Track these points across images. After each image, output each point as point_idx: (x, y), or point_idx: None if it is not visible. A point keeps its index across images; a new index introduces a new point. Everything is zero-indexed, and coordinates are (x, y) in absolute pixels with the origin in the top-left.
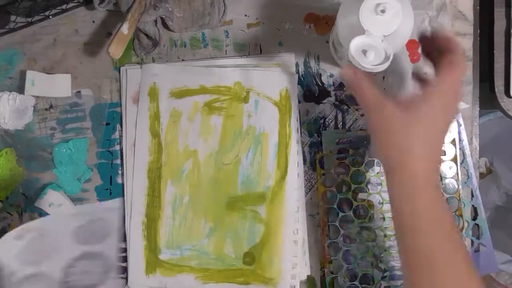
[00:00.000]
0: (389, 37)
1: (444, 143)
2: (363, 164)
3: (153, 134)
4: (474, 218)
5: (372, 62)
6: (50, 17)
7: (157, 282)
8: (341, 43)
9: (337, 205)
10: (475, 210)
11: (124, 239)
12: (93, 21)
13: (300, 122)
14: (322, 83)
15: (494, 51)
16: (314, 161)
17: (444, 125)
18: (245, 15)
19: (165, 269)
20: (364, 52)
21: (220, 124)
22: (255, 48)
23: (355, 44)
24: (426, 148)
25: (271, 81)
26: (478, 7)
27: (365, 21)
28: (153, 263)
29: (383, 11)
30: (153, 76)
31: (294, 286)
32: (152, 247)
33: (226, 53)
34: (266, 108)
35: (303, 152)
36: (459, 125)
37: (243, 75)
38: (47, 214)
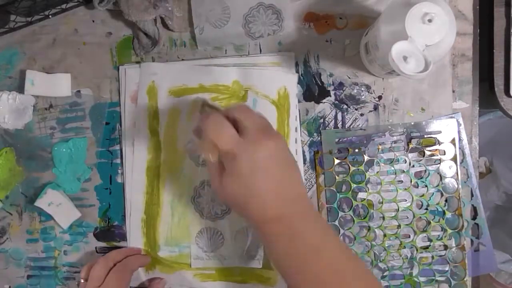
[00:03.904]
0: (430, 47)
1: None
2: (363, 164)
3: (152, 132)
4: (474, 218)
5: (412, 69)
6: (50, 16)
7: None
8: (378, 46)
9: (336, 205)
10: (474, 209)
11: (125, 236)
12: (93, 21)
13: (299, 121)
14: (322, 82)
15: (494, 51)
16: (313, 161)
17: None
18: None
19: (164, 266)
20: (405, 58)
21: None
22: (255, 47)
23: (397, 49)
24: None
25: (269, 80)
26: (478, 7)
27: (410, 27)
28: (152, 260)
29: (430, 21)
30: (152, 75)
31: None
32: (151, 244)
33: (226, 53)
34: (264, 107)
35: (303, 152)
36: (459, 125)
37: (241, 74)
38: (47, 213)
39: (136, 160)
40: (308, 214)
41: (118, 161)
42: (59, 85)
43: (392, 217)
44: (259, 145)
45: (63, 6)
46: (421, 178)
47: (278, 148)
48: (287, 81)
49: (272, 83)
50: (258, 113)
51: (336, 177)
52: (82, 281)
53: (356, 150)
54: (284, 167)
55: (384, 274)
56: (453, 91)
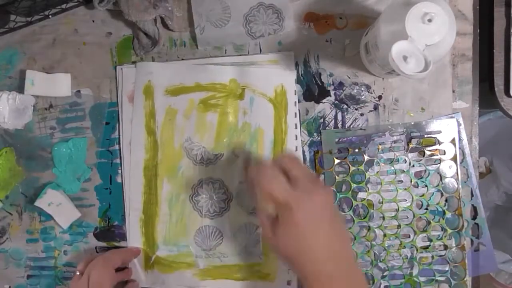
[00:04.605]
0: (431, 46)
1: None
2: (363, 164)
3: (149, 131)
4: (474, 218)
5: (412, 69)
6: (50, 16)
7: (155, 278)
8: (378, 46)
9: (337, 205)
10: (474, 209)
11: (125, 236)
12: (93, 21)
13: (299, 121)
14: (322, 82)
15: (494, 51)
16: (313, 161)
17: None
18: None
19: (163, 266)
20: (405, 58)
21: (216, 121)
22: (255, 47)
23: (397, 48)
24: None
25: (266, 78)
26: (478, 7)
27: (410, 27)
28: (151, 260)
29: (430, 21)
30: (148, 74)
31: (291, 281)
32: (150, 244)
33: (225, 52)
34: (261, 105)
35: (303, 152)
36: (459, 125)
37: (238, 72)
38: (47, 213)
39: (133, 160)
40: (358, 281)
41: (118, 161)
42: (59, 85)
43: (392, 217)
44: (312, 195)
45: (63, 6)
46: (421, 178)
47: (329, 201)
48: (284, 78)
49: (268, 80)
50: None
51: (336, 177)
52: (77, 273)
53: (356, 150)
54: (335, 224)
55: (384, 274)
56: (453, 91)
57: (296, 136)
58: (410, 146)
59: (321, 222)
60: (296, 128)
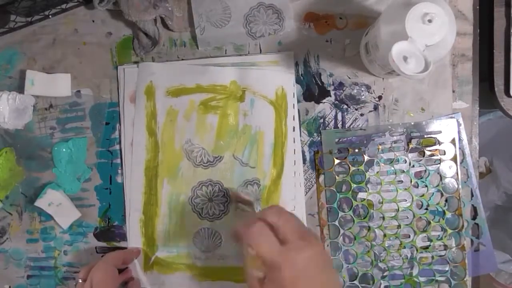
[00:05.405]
0: (431, 47)
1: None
2: (363, 164)
3: (150, 132)
4: (474, 218)
5: (412, 69)
6: (50, 16)
7: (155, 279)
8: (378, 46)
9: (336, 205)
10: (474, 209)
11: (125, 236)
12: (93, 21)
13: (299, 121)
14: (322, 82)
15: (494, 51)
16: (313, 161)
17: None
18: None
19: (162, 267)
20: (405, 58)
21: (216, 123)
22: (255, 47)
23: (397, 49)
24: None
25: (267, 80)
26: (478, 7)
27: (410, 27)
28: (150, 260)
29: (430, 21)
30: (150, 75)
31: None
32: (150, 244)
33: (225, 52)
34: (261, 107)
35: (303, 152)
36: (459, 125)
37: (239, 74)
38: (47, 213)
39: (134, 160)
40: None
41: (118, 161)
42: (59, 85)
43: (392, 217)
44: (301, 252)
45: (63, 6)
46: (421, 178)
47: (318, 253)
48: (284, 81)
49: (269, 83)
50: (290, 213)
51: (336, 177)
52: (80, 281)
53: (356, 150)
54: (326, 274)
55: (384, 274)
56: (453, 91)
57: (294, 139)
58: (410, 146)
59: (311, 277)
60: (294, 130)
